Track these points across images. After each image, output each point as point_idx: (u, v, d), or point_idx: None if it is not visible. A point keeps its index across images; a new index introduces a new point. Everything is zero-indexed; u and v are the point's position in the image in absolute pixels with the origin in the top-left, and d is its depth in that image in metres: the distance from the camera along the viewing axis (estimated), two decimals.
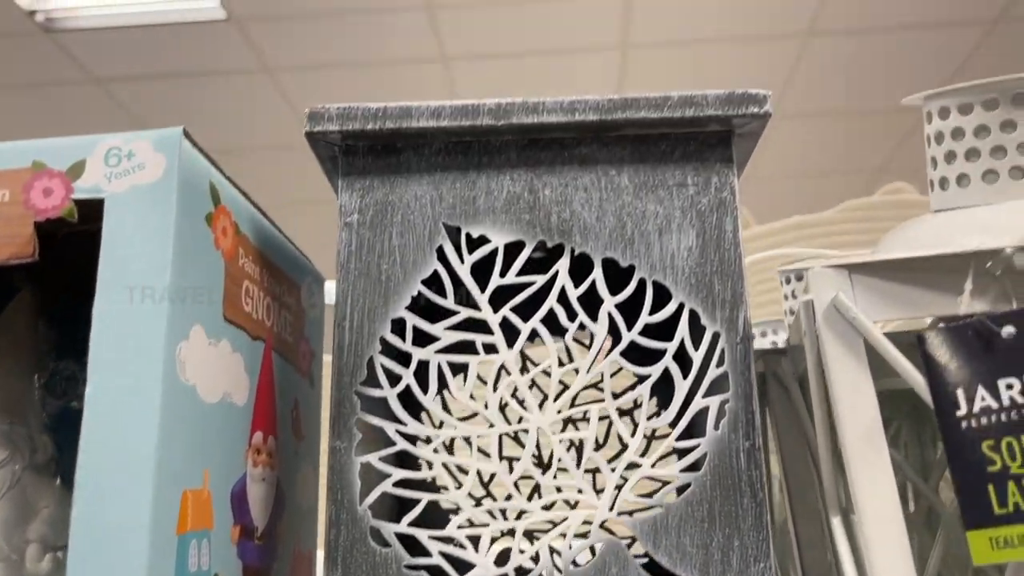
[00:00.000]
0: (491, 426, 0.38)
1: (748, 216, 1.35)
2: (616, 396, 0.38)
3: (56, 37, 2.50)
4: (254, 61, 2.63)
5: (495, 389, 0.38)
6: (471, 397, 0.38)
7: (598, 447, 0.40)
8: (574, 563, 0.36)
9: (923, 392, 0.33)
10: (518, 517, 0.38)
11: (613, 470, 0.37)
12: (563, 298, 0.39)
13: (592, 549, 0.36)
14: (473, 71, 2.74)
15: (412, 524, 0.37)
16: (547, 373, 0.39)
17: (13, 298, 0.45)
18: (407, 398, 0.39)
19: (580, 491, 0.37)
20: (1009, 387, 0.31)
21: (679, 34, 2.58)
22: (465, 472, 0.38)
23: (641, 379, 0.39)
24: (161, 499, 0.32)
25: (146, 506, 0.32)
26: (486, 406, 0.38)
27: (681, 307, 0.39)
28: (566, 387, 0.39)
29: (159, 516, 0.32)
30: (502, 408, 0.39)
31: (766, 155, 2.71)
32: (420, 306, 0.40)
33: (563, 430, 0.46)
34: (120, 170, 0.37)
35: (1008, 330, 0.32)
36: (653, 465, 0.37)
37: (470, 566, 0.36)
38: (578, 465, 0.38)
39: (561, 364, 0.39)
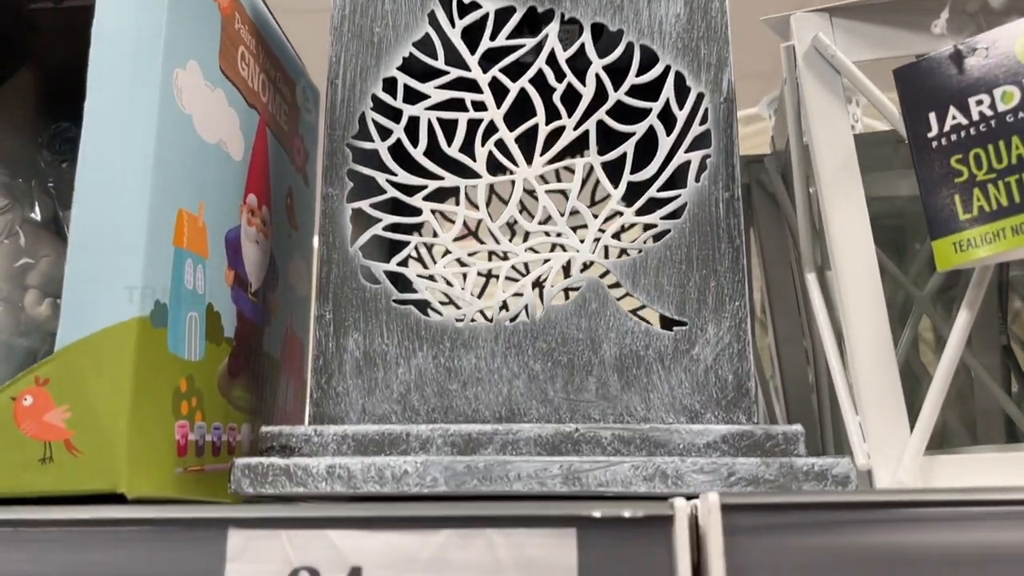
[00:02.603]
0: (479, 177, 0.39)
1: None
2: (602, 153, 0.39)
3: None
4: None
5: (483, 144, 0.39)
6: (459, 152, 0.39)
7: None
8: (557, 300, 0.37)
9: (898, 123, 0.34)
10: (503, 259, 0.39)
11: (596, 216, 0.39)
12: (552, 61, 0.40)
13: (572, 289, 0.38)
14: None
15: (400, 265, 0.38)
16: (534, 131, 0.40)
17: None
18: (397, 153, 0.40)
19: (561, 235, 0.38)
20: (979, 103, 0.32)
21: None
22: (452, 220, 0.39)
23: (626, 136, 0.40)
24: (157, 208, 0.34)
25: (143, 212, 0.33)
26: (474, 159, 0.39)
27: (667, 69, 0.40)
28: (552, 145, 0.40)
29: (155, 225, 0.33)
30: (490, 163, 0.40)
31: None
32: (413, 74, 0.41)
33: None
34: None
35: (980, 50, 0.32)
36: (636, 214, 0.38)
37: (455, 302, 0.38)
38: (562, 213, 0.39)
39: (548, 123, 0.40)
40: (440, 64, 0.40)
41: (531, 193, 0.40)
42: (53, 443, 0.30)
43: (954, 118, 0.32)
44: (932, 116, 0.33)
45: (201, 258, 0.37)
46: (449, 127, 0.40)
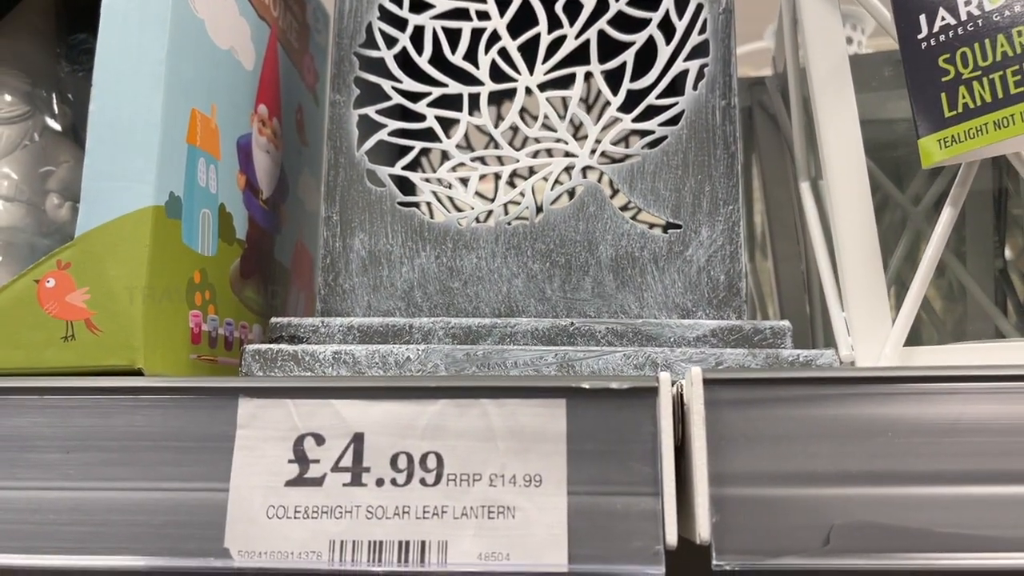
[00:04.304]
0: (482, 84, 0.40)
1: None
2: (602, 62, 0.40)
3: None
4: None
5: (486, 52, 0.40)
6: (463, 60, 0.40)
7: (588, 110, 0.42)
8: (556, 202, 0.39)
9: (889, 26, 0.35)
10: (504, 163, 0.40)
11: (595, 123, 0.40)
12: None
13: (572, 192, 0.39)
14: None
15: (405, 169, 0.40)
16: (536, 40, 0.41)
17: None
18: (403, 62, 0.41)
19: (562, 141, 0.40)
20: (967, 3, 0.33)
21: None
22: (455, 123, 0.40)
23: (626, 46, 0.40)
24: (170, 105, 0.35)
25: (156, 108, 0.34)
26: (477, 67, 0.40)
27: None
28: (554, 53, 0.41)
29: (169, 121, 0.35)
30: (493, 71, 0.41)
31: None
32: None
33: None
34: None
35: None
36: (634, 121, 0.40)
37: (458, 205, 0.39)
38: (562, 119, 0.40)
39: (549, 32, 0.41)
40: None
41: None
42: (75, 322, 0.32)
43: (943, 19, 0.33)
44: (922, 18, 0.34)
45: (213, 158, 0.38)
46: (453, 36, 0.41)
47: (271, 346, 0.35)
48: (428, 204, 0.40)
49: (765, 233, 0.54)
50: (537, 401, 0.29)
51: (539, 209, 0.39)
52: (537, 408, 0.29)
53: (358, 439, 0.29)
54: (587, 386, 0.29)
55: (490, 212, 0.39)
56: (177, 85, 0.35)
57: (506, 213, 0.39)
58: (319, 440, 0.29)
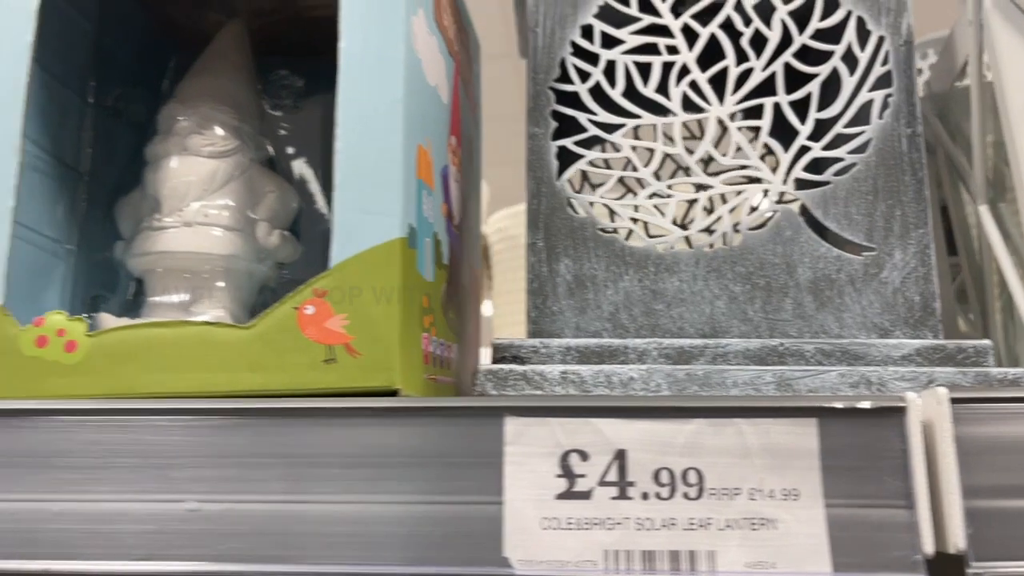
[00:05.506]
0: (674, 115, 0.42)
1: None
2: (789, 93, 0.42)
3: None
4: None
5: (677, 83, 0.43)
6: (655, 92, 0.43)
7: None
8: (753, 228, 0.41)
9: None
10: (699, 190, 0.42)
11: (786, 150, 0.42)
12: (739, 7, 0.43)
13: (768, 216, 0.41)
14: None
15: (604, 197, 0.42)
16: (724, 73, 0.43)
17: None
18: (595, 94, 0.43)
19: (755, 168, 0.42)
20: None
21: None
22: (651, 153, 0.42)
23: (809, 77, 0.42)
24: (407, 142, 0.37)
25: (398, 146, 0.37)
26: (668, 98, 0.43)
27: (849, 14, 0.43)
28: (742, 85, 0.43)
29: (407, 157, 0.37)
30: (684, 102, 0.43)
31: None
32: (607, 21, 0.44)
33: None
34: None
35: None
36: (823, 148, 0.41)
37: (657, 230, 0.41)
38: (754, 149, 0.42)
39: (738, 64, 0.43)
40: (634, 11, 0.43)
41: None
42: (335, 346, 0.35)
43: None
44: None
45: (430, 189, 0.41)
46: (643, 69, 0.43)
47: (502, 366, 0.38)
48: (629, 230, 0.42)
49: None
50: (789, 420, 0.31)
51: (737, 233, 0.41)
52: (789, 427, 0.31)
53: (621, 455, 0.31)
54: (840, 406, 0.31)
55: (688, 237, 0.41)
56: (409, 123, 0.38)
57: (706, 237, 0.41)
58: (583, 456, 0.32)
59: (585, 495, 0.31)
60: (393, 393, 0.35)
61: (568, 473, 0.31)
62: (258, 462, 0.33)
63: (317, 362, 0.35)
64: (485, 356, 0.56)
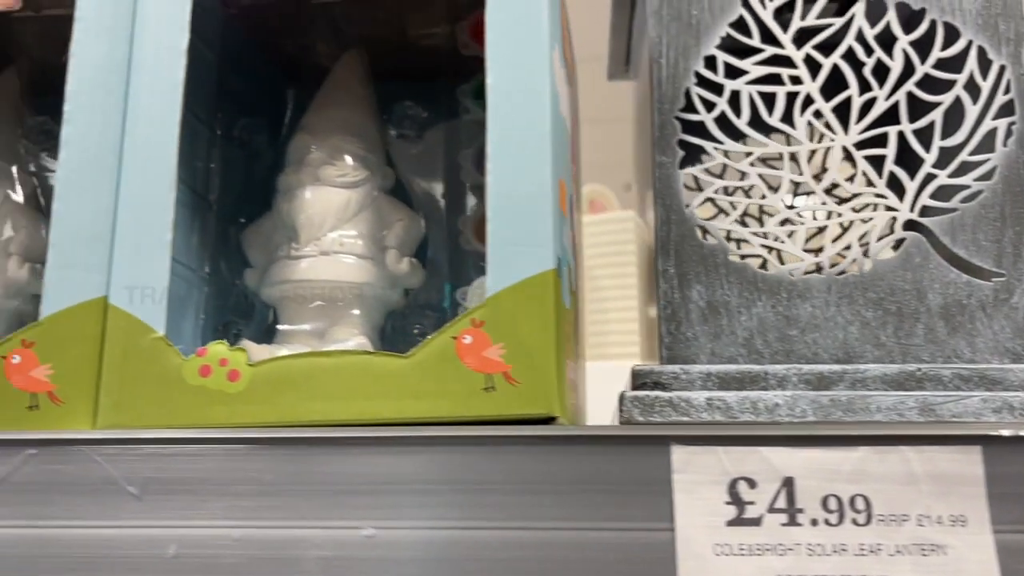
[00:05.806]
0: (800, 143, 0.43)
1: None
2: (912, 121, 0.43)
3: None
4: None
5: (802, 113, 0.44)
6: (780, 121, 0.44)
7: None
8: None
9: None
10: (828, 217, 0.43)
11: (912, 178, 0.42)
12: (860, 38, 0.44)
13: (897, 243, 0.42)
14: None
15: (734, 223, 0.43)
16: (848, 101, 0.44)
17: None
18: (719, 123, 0.44)
19: (883, 196, 0.43)
20: None
21: None
22: (777, 183, 0.43)
23: (931, 105, 0.43)
24: (555, 175, 0.38)
25: (547, 178, 0.38)
26: (794, 126, 0.43)
27: (970, 44, 0.44)
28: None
29: (554, 190, 0.38)
30: (809, 131, 0.44)
31: None
32: (729, 52, 0.45)
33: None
34: None
35: None
36: (949, 176, 0.42)
37: (787, 256, 0.42)
38: (880, 176, 0.43)
39: (861, 94, 0.44)
40: (756, 42, 0.44)
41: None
42: (494, 375, 0.36)
43: None
44: None
45: (564, 218, 0.42)
46: (767, 99, 0.44)
47: (647, 393, 0.39)
48: (762, 258, 0.43)
49: None
50: (954, 447, 0.32)
51: (867, 259, 0.42)
52: (954, 454, 0.32)
53: (789, 483, 0.32)
54: (1007, 434, 0.32)
55: (818, 264, 0.42)
56: (555, 156, 0.39)
57: (836, 264, 0.42)
58: (751, 484, 0.33)
59: (756, 521, 0.32)
60: (550, 420, 0.36)
61: (737, 500, 0.32)
62: (426, 488, 0.34)
63: (477, 390, 0.36)
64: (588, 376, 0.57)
